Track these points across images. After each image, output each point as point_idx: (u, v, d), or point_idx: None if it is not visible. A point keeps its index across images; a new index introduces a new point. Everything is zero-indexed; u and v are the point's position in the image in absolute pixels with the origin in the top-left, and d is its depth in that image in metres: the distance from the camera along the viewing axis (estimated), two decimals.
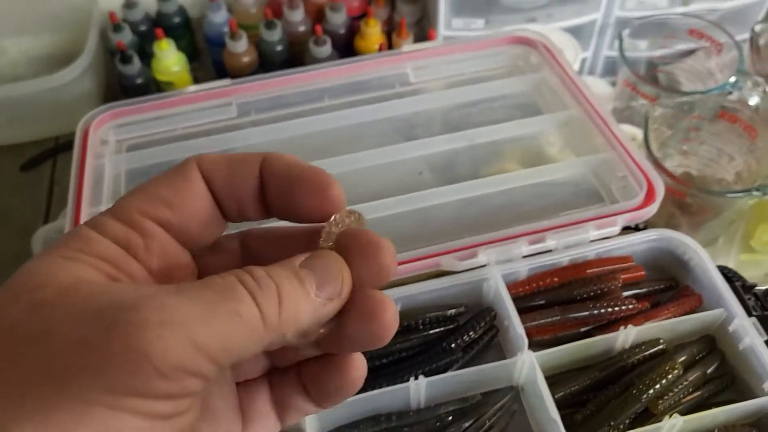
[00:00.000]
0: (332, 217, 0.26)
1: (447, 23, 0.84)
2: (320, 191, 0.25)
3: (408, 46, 0.65)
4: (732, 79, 0.79)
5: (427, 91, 0.63)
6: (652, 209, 0.51)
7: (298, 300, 0.24)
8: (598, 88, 0.88)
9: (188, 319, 0.21)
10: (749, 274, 0.80)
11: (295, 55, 0.88)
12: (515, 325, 0.46)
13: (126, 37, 0.85)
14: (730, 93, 0.80)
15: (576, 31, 0.85)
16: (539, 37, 0.65)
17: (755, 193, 0.70)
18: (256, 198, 0.26)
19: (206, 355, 0.21)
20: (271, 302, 0.23)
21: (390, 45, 0.88)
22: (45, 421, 0.19)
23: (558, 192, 0.55)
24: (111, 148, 0.59)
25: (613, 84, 0.89)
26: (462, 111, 0.62)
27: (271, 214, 0.27)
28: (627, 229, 0.53)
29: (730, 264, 0.80)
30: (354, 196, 0.54)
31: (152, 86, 0.84)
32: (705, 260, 0.49)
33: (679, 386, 0.46)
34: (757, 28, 0.82)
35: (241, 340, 0.22)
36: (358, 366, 0.27)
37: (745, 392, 0.47)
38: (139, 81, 0.83)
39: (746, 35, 0.82)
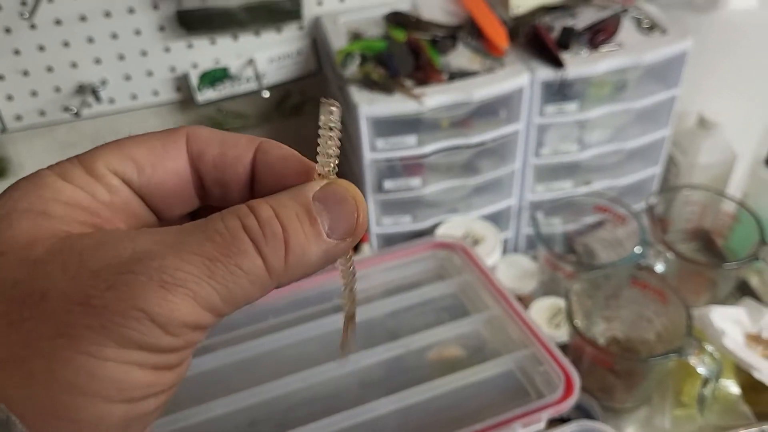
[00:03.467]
0: (324, 121, 0.24)
1: (378, 221, 0.92)
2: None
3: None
4: (637, 250, 0.88)
5: (361, 302, 0.69)
6: (571, 401, 0.56)
7: (308, 243, 0.23)
8: (523, 265, 0.96)
9: (188, 279, 0.20)
10: (684, 429, 0.85)
11: None
12: None
13: None
14: (638, 262, 0.89)
15: (495, 217, 0.94)
16: (458, 242, 0.72)
17: (673, 356, 0.76)
18: (244, 184, 0.25)
19: (210, 311, 0.21)
20: (276, 251, 0.22)
21: None
22: (51, 377, 0.19)
23: (488, 390, 0.60)
24: None
25: (535, 258, 0.97)
26: (395, 318, 0.68)
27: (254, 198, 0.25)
28: (554, 421, 0.58)
29: (666, 420, 0.85)
30: (303, 414, 0.58)
31: None
32: None
33: None
34: (652, 201, 0.92)
35: (244, 292, 0.22)
36: None
37: None
38: None
39: (645, 204, 0.93)
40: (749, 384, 0.84)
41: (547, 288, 0.94)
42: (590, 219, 0.97)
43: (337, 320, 0.67)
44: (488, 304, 0.66)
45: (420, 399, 0.58)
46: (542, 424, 0.55)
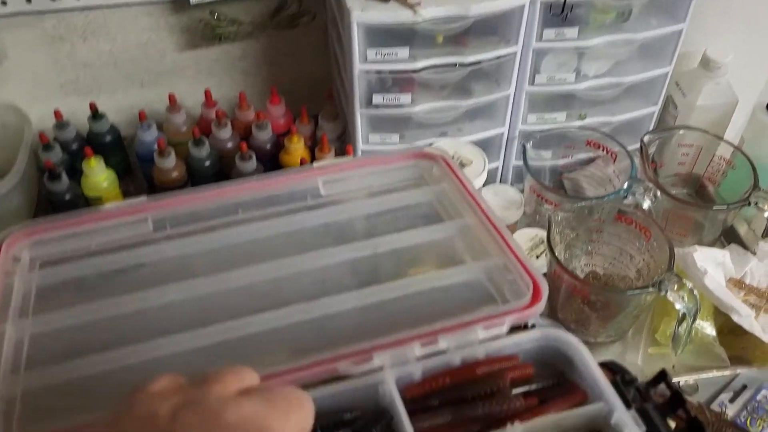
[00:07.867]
0: None
1: (365, 138, 0.90)
2: None
3: (319, 162, 0.70)
4: (626, 185, 0.86)
5: (336, 203, 0.67)
6: (537, 309, 0.55)
7: None
8: (510, 195, 0.94)
9: None
10: (657, 367, 0.84)
11: (223, 169, 0.92)
12: (406, 430, 0.48)
13: (56, 156, 0.88)
14: (625, 197, 0.87)
15: (485, 144, 0.92)
16: (440, 152, 0.70)
17: (651, 289, 0.75)
18: None
19: None
20: None
21: (313, 159, 0.93)
22: None
23: (454, 295, 0.59)
24: (24, 265, 0.61)
25: (522, 191, 0.95)
26: (368, 222, 0.66)
27: None
28: (518, 328, 0.56)
29: (639, 357, 0.84)
30: (263, 304, 0.57)
31: (81, 202, 0.87)
32: (586, 356, 0.52)
33: None
34: (646, 138, 0.90)
35: None
36: None
37: None
38: (67, 197, 0.86)
39: (637, 144, 0.90)
40: (727, 327, 0.83)
41: (532, 220, 0.93)
42: (581, 155, 0.95)
43: (308, 218, 0.65)
44: (463, 213, 0.64)
45: (383, 298, 0.57)
46: (504, 329, 0.54)
